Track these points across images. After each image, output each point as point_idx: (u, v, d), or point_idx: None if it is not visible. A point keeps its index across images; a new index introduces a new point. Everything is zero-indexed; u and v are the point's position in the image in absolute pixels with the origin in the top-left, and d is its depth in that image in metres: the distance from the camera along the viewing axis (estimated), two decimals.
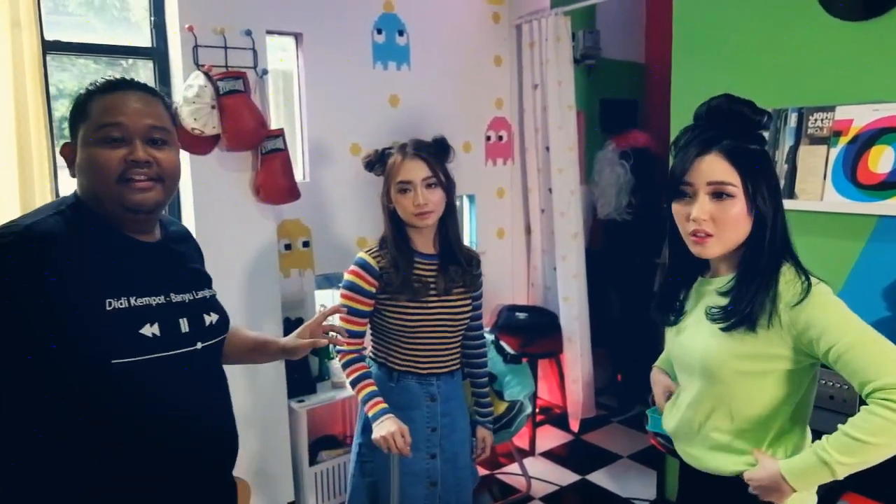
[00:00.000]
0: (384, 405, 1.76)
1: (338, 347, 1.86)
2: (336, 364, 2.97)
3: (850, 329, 1.18)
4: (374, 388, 1.80)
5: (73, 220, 1.14)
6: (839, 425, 1.18)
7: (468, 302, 1.91)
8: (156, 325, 1.15)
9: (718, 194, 1.25)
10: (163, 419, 1.17)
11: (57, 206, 1.17)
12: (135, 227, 1.21)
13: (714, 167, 1.25)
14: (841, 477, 1.17)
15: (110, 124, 1.13)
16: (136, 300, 1.14)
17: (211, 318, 1.29)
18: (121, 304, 1.12)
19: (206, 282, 1.35)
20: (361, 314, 1.84)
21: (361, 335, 1.87)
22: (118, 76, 1.20)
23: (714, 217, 1.25)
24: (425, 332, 1.84)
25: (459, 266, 1.88)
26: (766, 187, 1.26)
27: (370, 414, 1.76)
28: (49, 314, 1.05)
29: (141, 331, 1.13)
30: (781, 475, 1.21)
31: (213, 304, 1.32)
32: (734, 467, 1.32)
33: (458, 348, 1.95)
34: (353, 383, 1.82)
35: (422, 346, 1.85)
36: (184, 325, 1.21)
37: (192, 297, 1.26)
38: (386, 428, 1.70)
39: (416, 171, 1.78)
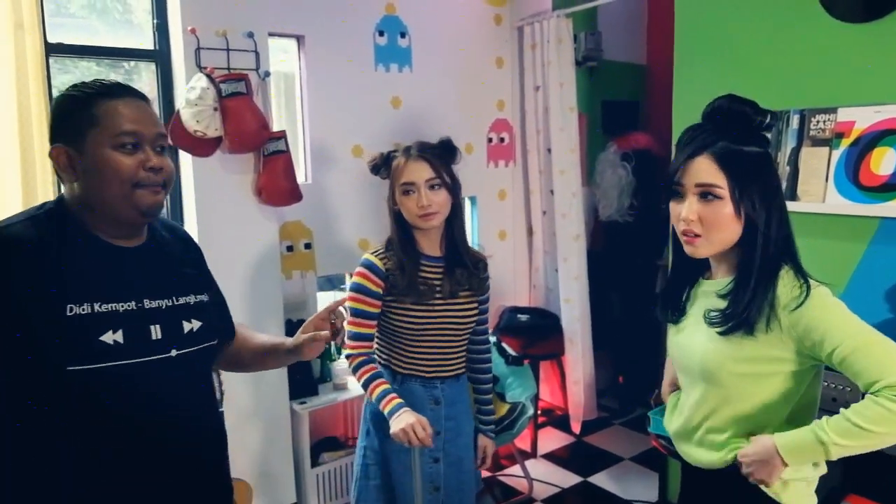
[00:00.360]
0: (399, 400, 1.73)
1: (347, 351, 1.83)
2: (338, 366, 2.97)
3: (852, 330, 1.18)
4: (387, 385, 1.77)
5: (47, 225, 1.15)
6: (842, 409, 1.19)
7: (474, 305, 1.90)
8: (119, 332, 1.13)
9: (705, 195, 1.27)
10: (132, 427, 1.15)
11: (34, 211, 1.18)
12: (123, 232, 1.20)
13: (702, 169, 1.26)
14: (834, 458, 1.19)
15: (129, 132, 1.15)
16: (100, 306, 1.13)
17: (192, 326, 1.25)
18: (83, 309, 1.11)
19: (196, 287, 1.31)
20: (369, 316, 1.82)
21: (370, 338, 1.85)
22: (109, 79, 1.20)
23: (701, 218, 1.27)
24: (430, 336, 1.83)
25: (466, 269, 1.86)
26: (757, 191, 1.26)
27: (386, 410, 1.71)
28: (8, 318, 1.06)
29: (101, 338, 1.11)
30: (776, 448, 1.22)
31: (197, 311, 1.28)
32: (726, 456, 1.33)
33: (464, 352, 1.93)
34: (365, 384, 1.78)
35: (426, 349, 1.84)
36: (155, 332, 1.18)
37: (170, 303, 1.23)
38: (404, 420, 1.65)
39: (420, 172, 1.77)
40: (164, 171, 1.19)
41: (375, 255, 1.83)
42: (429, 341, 1.83)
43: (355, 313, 1.80)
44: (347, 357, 1.83)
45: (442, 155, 1.83)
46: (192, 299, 1.28)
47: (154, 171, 1.17)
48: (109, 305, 1.14)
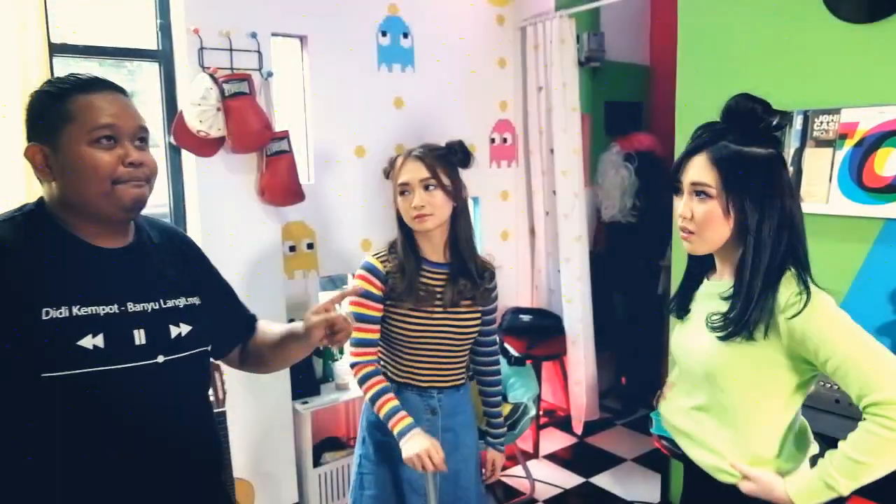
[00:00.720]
0: (409, 419, 1.67)
1: (353, 360, 1.77)
2: (340, 366, 2.97)
3: (847, 341, 1.18)
4: (395, 402, 1.71)
5: (26, 226, 1.11)
6: (840, 443, 1.19)
7: (476, 316, 1.83)
8: (100, 337, 1.07)
9: (698, 193, 1.28)
10: (117, 436, 1.10)
11: (12, 213, 1.14)
12: (106, 231, 1.15)
13: (697, 168, 1.28)
14: (847, 493, 1.19)
15: (105, 126, 1.09)
16: (79, 309, 1.07)
17: (179, 330, 1.18)
18: (60, 313, 1.05)
19: (186, 290, 1.24)
20: (372, 320, 1.76)
21: (374, 343, 1.78)
22: (84, 74, 1.14)
23: (694, 216, 1.29)
24: (428, 344, 1.78)
25: (470, 278, 1.79)
26: (750, 192, 1.24)
27: (396, 430, 1.66)
28: None
29: (80, 342, 1.05)
30: (789, 499, 1.22)
31: (186, 315, 1.21)
32: (720, 475, 1.33)
33: (464, 363, 1.87)
34: (373, 399, 1.72)
35: (423, 357, 1.79)
36: (139, 336, 1.12)
37: (156, 307, 1.16)
38: (419, 444, 1.61)
39: (415, 172, 1.74)
40: (145, 166, 1.13)
41: (376, 258, 1.79)
42: (426, 350, 1.78)
43: (357, 318, 1.74)
44: (352, 366, 1.77)
45: (445, 157, 1.79)
46: (181, 302, 1.21)
47: (134, 167, 1.11)
48: (89, 309, 1.08)
